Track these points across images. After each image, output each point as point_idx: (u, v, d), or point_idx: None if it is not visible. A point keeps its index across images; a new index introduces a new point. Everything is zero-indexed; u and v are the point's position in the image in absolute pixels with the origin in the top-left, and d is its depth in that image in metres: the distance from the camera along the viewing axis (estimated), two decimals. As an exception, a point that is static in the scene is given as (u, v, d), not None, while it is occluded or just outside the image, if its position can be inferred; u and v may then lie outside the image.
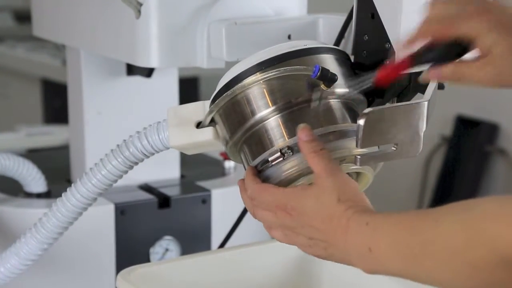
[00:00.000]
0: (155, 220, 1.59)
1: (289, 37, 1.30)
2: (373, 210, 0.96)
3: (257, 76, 1.04)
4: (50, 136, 2.15)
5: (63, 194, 1.24)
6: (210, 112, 1.08)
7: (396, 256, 0.89)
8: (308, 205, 0.97)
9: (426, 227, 0.87)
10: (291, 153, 1.02)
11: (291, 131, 1.03)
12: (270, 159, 1.03)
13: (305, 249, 1.00)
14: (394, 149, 1.00)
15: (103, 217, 1.54)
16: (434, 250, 0.85)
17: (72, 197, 1.22)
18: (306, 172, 1.02)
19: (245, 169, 1.08)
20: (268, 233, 1.04)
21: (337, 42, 1.19)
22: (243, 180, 1.05)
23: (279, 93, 1.04)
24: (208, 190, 1.64)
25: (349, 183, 0.98)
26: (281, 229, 1.00)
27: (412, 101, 1.05)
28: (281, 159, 1.03)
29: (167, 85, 1.66)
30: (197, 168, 1.77)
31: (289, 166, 1.02)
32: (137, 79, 1.62)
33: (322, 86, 1.02)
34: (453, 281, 0.85)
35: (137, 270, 1.21)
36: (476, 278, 0.83)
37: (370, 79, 0.99)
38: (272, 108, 1.04)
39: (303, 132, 0.99)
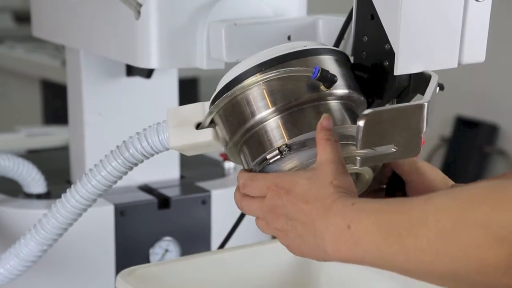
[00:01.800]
0: (155, 221, 1.59)
1: (288, 38, 1.30)
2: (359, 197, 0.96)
3: (257, 77, 1.04)
4: (50, 136, 2.15)
5: (62, 195, 1.24)
6: (210, 113, 1.08)
7: (375, 233, 0.87)
8: (299, 184, 0.96)
9: (414, 208, 0.86)
10: (289, 152, 1.02)
11: (291, 132, 1.03)
12: (268, 157, 1.03)
13: (280, 236, 0.99)
14: (394, 150, 1.00)
15: (103, 218, 1.54)
16: (420, 229, 0.84)
17: (71, 198, 1.22)
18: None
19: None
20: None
21: (337, 43, 1.19)
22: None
23: (279, 94, 1.04)
24: (208, 191, 1.64)
25: (347, 175, 0.98)
26: (264, 215, 1.00)
27: (412, 102, 1.05)
28: (279, 157, 1.03)
29: (166, 86, 1.66)
30: (197, 169, 1.77)
31: (289, 167, 1.02)
32: (137, 80, 1.62)
33: (322, 87, 1.03)
34: (434, 262, 0.83)
35: (136, 271, 1.21)
36: (464, 259, 0.81)
37: None
38: (272, 109, 1.04)
39: (325, 119, 0.99)
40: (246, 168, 1.08)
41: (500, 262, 0.79)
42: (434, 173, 1.11)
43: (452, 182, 1.11)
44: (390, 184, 1.13)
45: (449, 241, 0.81)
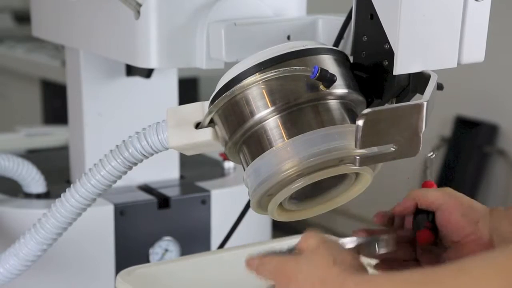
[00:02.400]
0: (155, 220, 1.59)
1: (288, 37, 1.30)
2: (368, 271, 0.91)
3: (256, 77, 1.04)
4: (50, 136, 2.15)
5: (62, 195, 1.24)
6: (209, 112, 1.08)
7: None
8: (302, 270, 0.91)
9: (446, 279, 0.79)
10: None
11: (291, 132, 1.03)
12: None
13: None
14: (393, 149, 1.00)
15: (103, 218, 1.54)
16: None
17: (71, 198, 1.22)
18: (306, 172, 1.02)
19: (244, 170, 1.08)
20: None
21: (336, 43, 1.19)
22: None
23: (278, 94, 1.04)
24: (207, 191, 1.64)
25: (343, 249, 0.95)
26: None
27: (411, 102, 1.05)
28: None
29: (166, 86, 1.67)
30: (197, 169, 1.77)
31: (288, 167, 1.02)
32: (137, 80, 1.62)
33: (321, 87, 1.03)
34: None
35: (136, 271, 1.21)
36: None
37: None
38: (271, 108, 1.04)
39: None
40: (245, 168, 1.08)
41: None
42: (460, 197, 1.08)
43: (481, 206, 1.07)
44: (416, 218, 1.10)
45: None
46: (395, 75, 1.06)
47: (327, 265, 0.90)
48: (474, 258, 0.80)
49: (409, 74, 1.07)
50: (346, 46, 1.18)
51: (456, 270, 0.79)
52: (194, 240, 1.63)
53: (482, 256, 0.80)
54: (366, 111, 0.96)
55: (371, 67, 1.09)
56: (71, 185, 1.23)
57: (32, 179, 1.58)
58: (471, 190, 2.96)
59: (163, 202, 1.60)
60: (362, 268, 0.91)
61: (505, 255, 0.78)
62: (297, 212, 1.12)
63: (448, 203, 1.07)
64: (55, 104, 3.31)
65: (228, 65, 1.11)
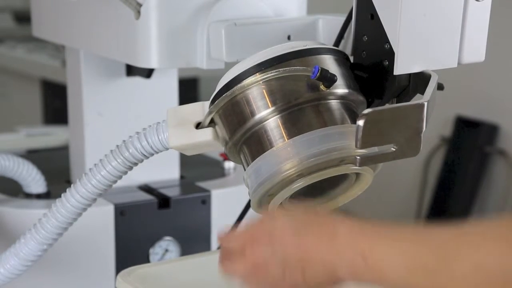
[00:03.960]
0: (155, 220, 1.59)
1: (288, 37, 1.30)
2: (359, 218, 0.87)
3: (257, 77, 1.04)
4: (50, 136, 2.15)
5: (62, 195, 1.24)
6: (210, 112, 1.08)
7: (400, 268, 0.79)
8: (277, 223, 0.88)
9: (448, 240, 0.79)
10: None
11: (291, 132, 1.03)
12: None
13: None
14: (394, 149, 1.00)
15: (103, 218, 1.54)
16: (456, 265, 0.77)
17: (71, 198, 1.22)
18: (306, 172, 1.02)
19: (245, 170, 1.08)
20: None
21: (337, 43, 1.19)
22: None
23: (278, 94, 1.04)
24: (207, 191, 1.64)
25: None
26: (250, 275, 0.89)
27: (412, 102, 1.05)
28: None
29: (166, 86, 1.66)
30: (197, 169, 1.77)
31: (289, 167, 1.02)
32: (137, 80, 1.62)
33: (322, 87, 1.03)
34: None
35: (136, 271, 1.21)
36: None
37: None
38: (271, 108, 1.04)
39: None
40: (245, 168, 1.08)
41: None
42: None
43: None
44: None
45: (491, 274, 0.75)
46: (395, 75, 1.06)
47: (305, 216, 0.87)
48: (475, 224, 0.80)
49: (410, 74, 1.07)
50: (347, 46, 1.18)
51: (457, 232, 0.79)
52: (194, 240, 1.63)
53: (480, 220, 0.80)
54: (366, 111, 0.96)
55: (371, 67, 1.09)
56: (72, 185, 1.23)
57: (32, 179, 1.58)
58: (471, 190, 2.96)
59: (163, 202, 1.60)
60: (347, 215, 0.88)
61: (503, 219, 0.78)
62: (297, 212, 1.12)
63: None
64: (55, 104, 3.31)
65: (229, 65, 1.11)
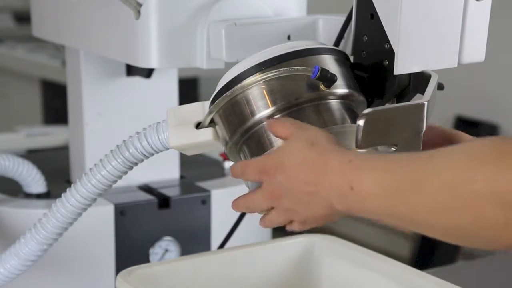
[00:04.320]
0: (155, 220, 1.59)
1: (288, 37, 1.30)
2: (352, 150, 0.95)
3: (257, 77, 1.04)
4: (50, 136, 2.15)
5: (62, 195, 1.24)
6: (210, 112, 1.08)
7: (379, 192, 0.88)
8: (283, 157, 0.96)
9: (416, 164, 0.86)
10: None
11: (291, 132, 1.03)
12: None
13: (293, 215, 0.98)
14: (394, 149, 1.00)
15: (103, 218, 1.54)
16: (423, 185, 0.84)
17: (71, 198, 1.22)
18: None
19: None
20: (267, 224, 1.03)
21: (337, 43, 1.19)
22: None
23: (278, 94, 1.04)
24: (207, 191, 1.64)
25: (318, 129, 0.98)
26: (269, 202, 0.99)
27: (412, 102, 1.05)
28: None
29: (166, 86, 1.66)
30: (197, 169, 1.77)
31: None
32: (137, 80, 1.62)
33: (322, 87, 1.03)
34: (437, 216, 0.84)
35: (136, 271, 1.21)
36: (464, 213, 0.81)
37: None
38: (271, 108, 1.04)
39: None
40: None
41: (499, 221, 0.79)
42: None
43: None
44: None
45: (452, 195, 0.82)
46: (395, 75, 1.06)
47: (305, 148, 0.94)
48: (444, 148, 0.88)
49: (410, 74, 1.07)
50: (347, 46, 1.18)
51: (428, 156, 0.86)
52: (194, 240, 1.63)
53: (452, 146, 0.88)
54: (367, 111, 0.96)
55: (371, 67, 1.09)
56: (72, 185, 1.23)
57: (32, 179, 1.58)
58: (471, 190, 2.95)
59: (163, 202, 1.60)
60: (342, 146, 0.95)
61: (471, 146, 0.86)
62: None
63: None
64: (55, 104, 3.31)
65: (229, 65, 1.11)
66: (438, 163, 0.85)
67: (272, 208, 1.00)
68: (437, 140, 1.06)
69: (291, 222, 1.00)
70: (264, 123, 1.04)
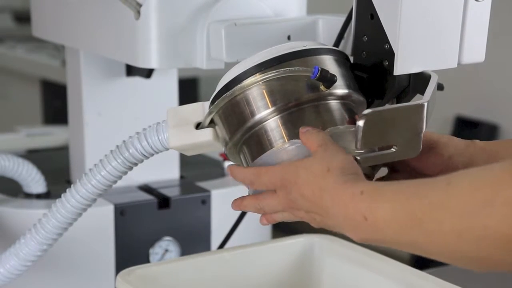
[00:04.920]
0: (155, 220, 1.59)
1: (288, 38, 1.30)
2: (365, 180, 0.95)
3: (257, 77, 1.04)
4: (50, 136, 2.15)
5: (62, 195, 1.24)
6: (210, 113, 1.08)
7: (394, 222, 0.87)
8: (300, 176, 0.96)
9: (434, 190, 0.85)
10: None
11: (291, 132, 1.03)
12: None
13: (308, 221, 1.00)
14: (394, 150, 1.00)
15: (103, 218, 1.54)
16: (442, 213, 0.82)
17: (71, 198, 1.22)
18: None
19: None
20: (271, 221, 1.04)
21: (337, 43, 1.19)
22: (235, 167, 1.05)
23: (278, 94, 1.04)
24: (207, 191, 1.64)
25: (342, 153, 0.97)
26: (286, 209, 1.00)
27: (412, 102, 1.05)
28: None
29: (166, 86, 1.66)
30: (197, 169, 1.77)
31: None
32: (137, 80, 1.62)
33: (322, 87, 1.02)
34: (457, 243, 0.82)
35: (136, 271, 1.21)
36: (489, 238, 0.79)
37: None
38: (271, 109, 1.04)
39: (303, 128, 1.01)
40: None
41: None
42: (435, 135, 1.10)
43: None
44: None
45: (475, 221, 0.80)
46: (395, 75, 1.06)
47: (321, 173, 0.95)
48: (461, 172, 0.85)
49: (410, 74, 1.07)
50: (346, 46, 1.18)
51: (445, 183, 0.84)
52: (194, 240, 1.63)
53: (469, 170, 0.85)
54: (366, 111, 0.96)
55: (371, 67, 1.09)
56: (72, 185, 1.23)
57: (32, 179, 1.58)
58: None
59: (163, 202, 1.60)
60: (357, 174, 0.95)
61: (491, 170, 0.82)
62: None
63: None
64: (55, 104, 3.31)
65: (229, 65, 1.11)
66: (459, 189, 0.82)
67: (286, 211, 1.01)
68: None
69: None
70: (264, 123, 1.04)
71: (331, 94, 1.04)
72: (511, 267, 0.82)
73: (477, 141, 1.08)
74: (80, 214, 1.25)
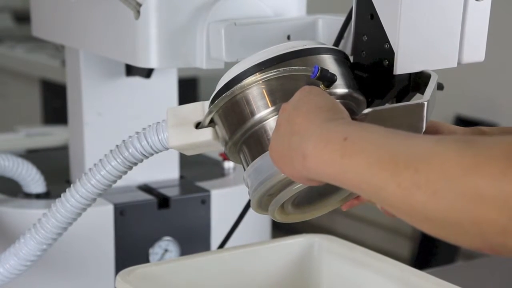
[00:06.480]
0: (155, 220, 1.59)
1: (288, 37, 1.30)
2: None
3: (257, 77, 1.04)
4: (50, 136, 2.15)
5: (62, 195, 1.24)
6: (209, 112, 1.08)
7: (372, 154, 0.79)
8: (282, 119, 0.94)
9: (421, 144, 0.77)
10: None
11: (291, 132, 1.03)
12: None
13: (273, 137, 0.95)
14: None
15: (103, 218, 1.54)
16: (422, 165, 0.75)
17: (71, 198, 1.22)
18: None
19: (244, 170, 1.08)
20: None
21: (337, 43, 1.19)
22: None
23: (278, 94, 1.04)
24: (207, 191, 1.64)
25: (328, 97, 0.95)
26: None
27: (412, 102, 1.05)
28: None
29: (166, 86, 1.66)
30: (197, 169, 1.77)
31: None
32: (137, 80, 1.62)
33: (322, 87, 1.02)
34: (427, 203, 0.74)
35: (136, 271, 1.21)
36: (462, 209, 0.73)
37: None
38: (271, 108, 1.04)
39: None
40: (245, 167, 1.07)
41: (498, 224, 0.72)
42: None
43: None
44: None
45: (452, 187, 0.73)
46: (395, 75, 1.06)
47: (313, 112, 0.91)
48: (455, 136, 0.81)
49: (410, 74, 1.07)
50: (346, 45, 1.18)
51: (435, 139, 0.78)
52: (194, 240, 1.63)
53: (463, 137, 0.80)
54: (366, 110, 0.96)
55: (371, 67, 1.09)
56: (71, 185, 1.23)
57: (32, 179, 1.58)
58: (471, 190, 2.95)
59: (163, 202, 1.60)
60: (345, 116, 0.91)
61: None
62: (297, 214, 1.12)
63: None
64: (55, 104, 3.31)
65: (228, 65, 1.11)
66: (445, 150, 0.76)
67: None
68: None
69: None
70: (264, 122, 1.04)
71: (331, 94, 1.04)
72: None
73: (482, 127, 1.05)
74: (79, 214, 1.25)
